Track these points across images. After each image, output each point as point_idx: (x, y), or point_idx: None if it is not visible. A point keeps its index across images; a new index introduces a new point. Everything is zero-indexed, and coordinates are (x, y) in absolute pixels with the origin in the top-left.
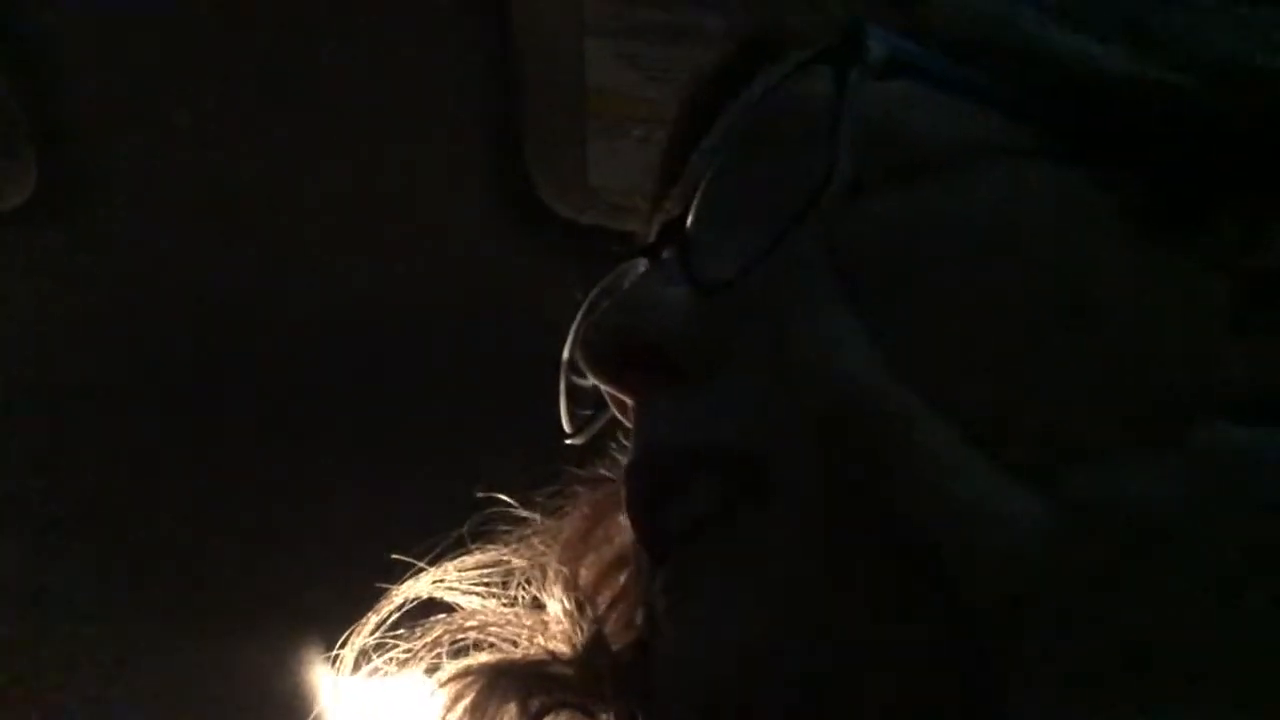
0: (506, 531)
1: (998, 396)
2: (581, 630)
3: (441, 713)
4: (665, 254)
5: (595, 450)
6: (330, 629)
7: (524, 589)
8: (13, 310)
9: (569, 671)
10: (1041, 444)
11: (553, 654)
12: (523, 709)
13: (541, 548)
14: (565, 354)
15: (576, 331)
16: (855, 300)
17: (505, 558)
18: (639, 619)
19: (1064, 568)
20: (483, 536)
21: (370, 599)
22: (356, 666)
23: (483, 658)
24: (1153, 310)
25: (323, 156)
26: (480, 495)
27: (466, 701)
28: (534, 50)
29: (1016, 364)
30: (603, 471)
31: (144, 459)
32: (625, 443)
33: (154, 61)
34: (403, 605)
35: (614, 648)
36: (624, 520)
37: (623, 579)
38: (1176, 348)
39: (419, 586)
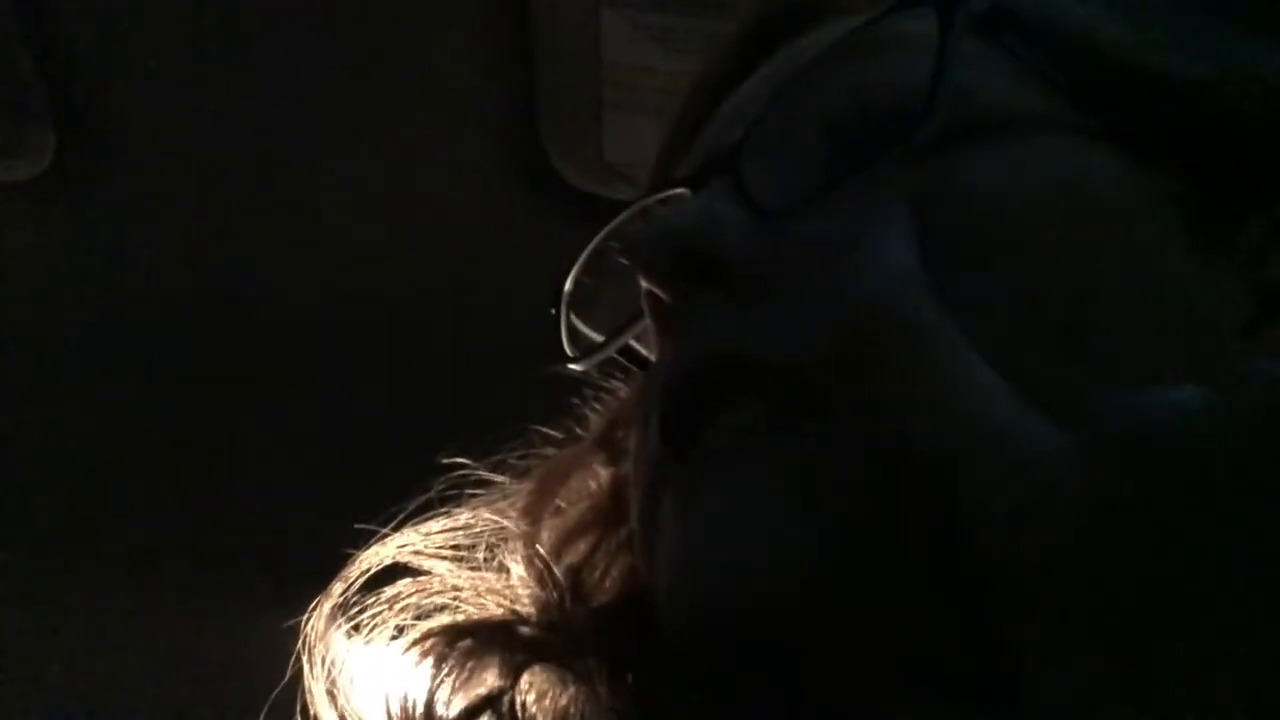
0: (472, 495)
1: (1043, 344)
2: (546, 593)
3: (422, 672)
4: (714, 181)
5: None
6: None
7: (489, 553)
8: (29, 279)
9: (536, 633)
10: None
11: (519, 615)
12: (504, 666)
13: (503, 513)
14: (568, 285)
15: (586, 259)
16: (924, 245)
17: (470, 522)
18: (617, 562)
19: (1086, 498)
20: (450, 500)
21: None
22: (325, 631)
23: (456, 618)
24: (1177, 302)
25: (337, 129)
26: (446, 460)
27: (449, 660)
28: (549, 22)
29: (1067, 325)
30: (567, 430)
31: (155, 427)
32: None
33: (173, 33)
34: (368, 571)
35: (587, 604)
36: (585, 482)
37: (584, 545)
38: (1188, 341)
39: (384, 552)
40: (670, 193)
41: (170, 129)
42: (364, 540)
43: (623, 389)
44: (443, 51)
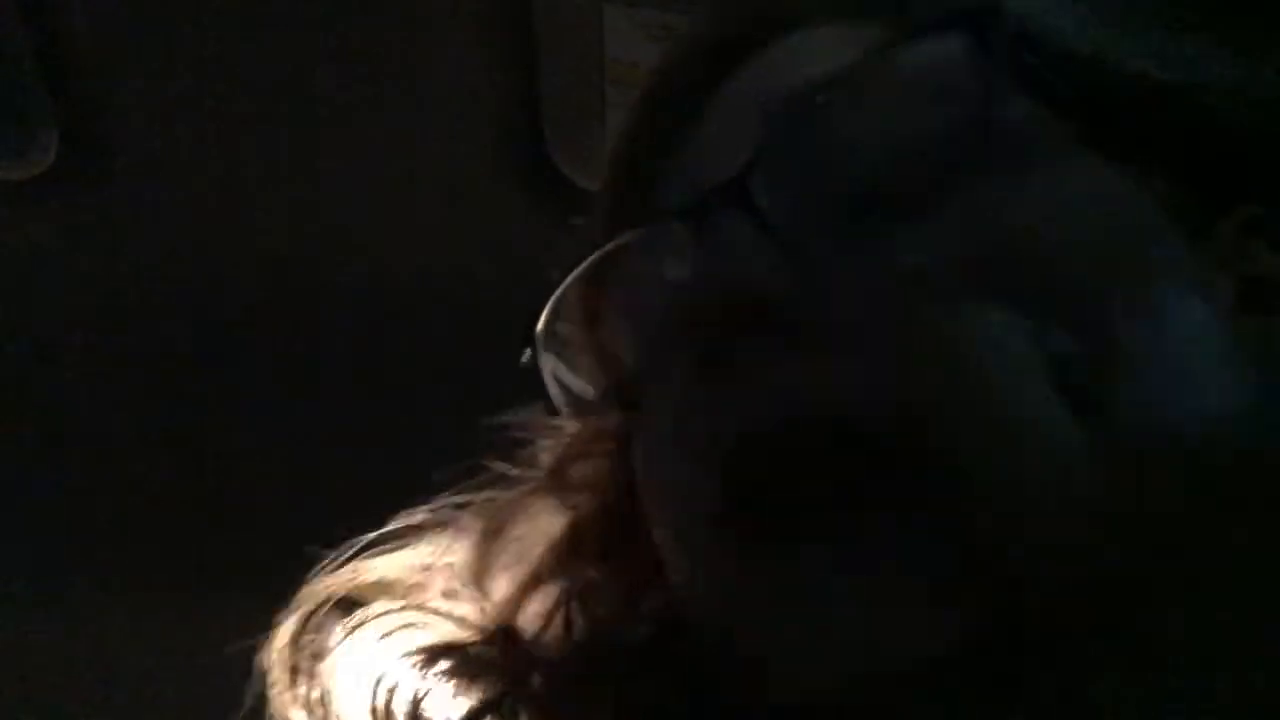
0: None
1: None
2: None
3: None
4: (721, 215)
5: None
6: None
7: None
8: (34, 276)
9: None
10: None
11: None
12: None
13: (451, 554)
14: (540, 326)
15: (561, 297)
16: (988, 283)
17: (419, 563)
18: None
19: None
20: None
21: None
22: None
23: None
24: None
25: (339, 129)
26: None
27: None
28: (552, 21)
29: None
30: (514, 470)
31: (155, 426)
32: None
33: (177, 29)
34: (319, 607)
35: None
36: (537, 526)
37: (542, 596)
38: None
39: (335, 583)
40: (657, 225)
41: (171, 130)
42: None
43: (570, 425)
44: (445, 50)
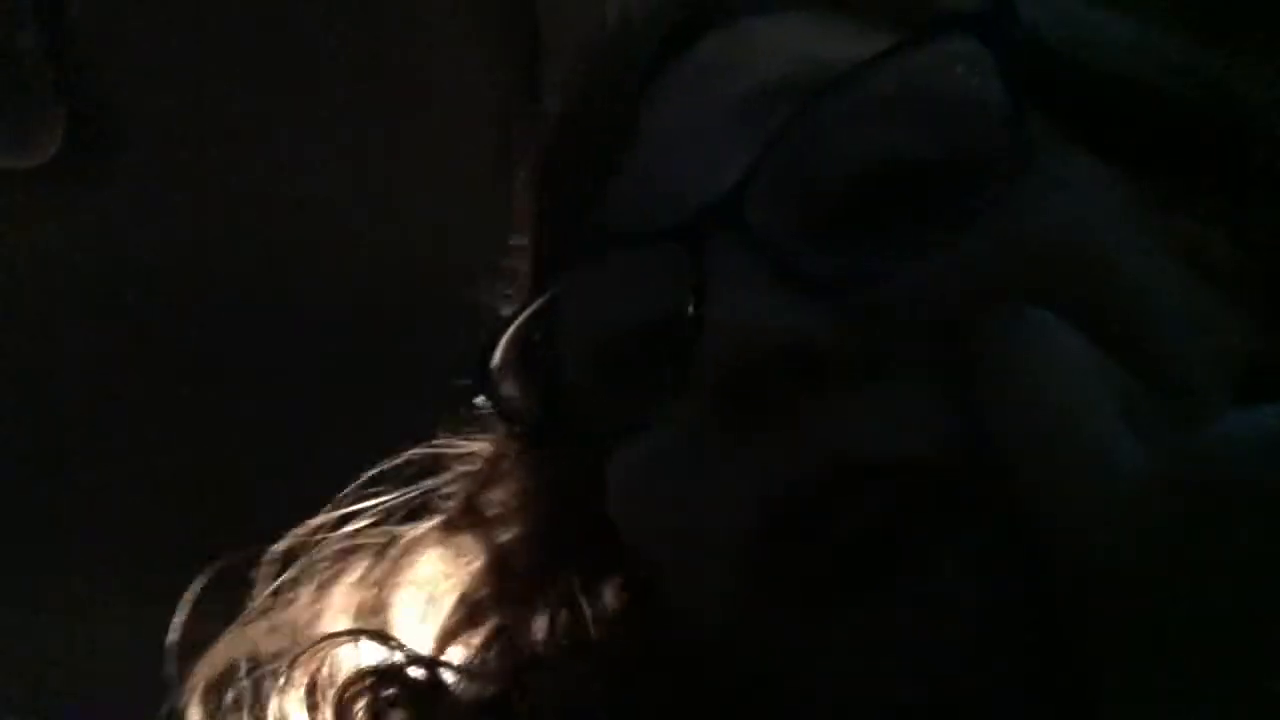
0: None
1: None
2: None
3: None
4: (715, 238)
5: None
6: None
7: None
8: (38, 265)
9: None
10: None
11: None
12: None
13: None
14: (496, 359)
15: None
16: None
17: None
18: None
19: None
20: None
21: None
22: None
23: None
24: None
25: (342, 124)
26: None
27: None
28: (555, 15)
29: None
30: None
31: (158, 418)
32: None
33: (178, 26)
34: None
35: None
36: (451, 562)
37: (471, 639)
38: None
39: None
40: (620, 254)
41: (175, 121)
42: None
43: (482, 449)
44: (447, 47)
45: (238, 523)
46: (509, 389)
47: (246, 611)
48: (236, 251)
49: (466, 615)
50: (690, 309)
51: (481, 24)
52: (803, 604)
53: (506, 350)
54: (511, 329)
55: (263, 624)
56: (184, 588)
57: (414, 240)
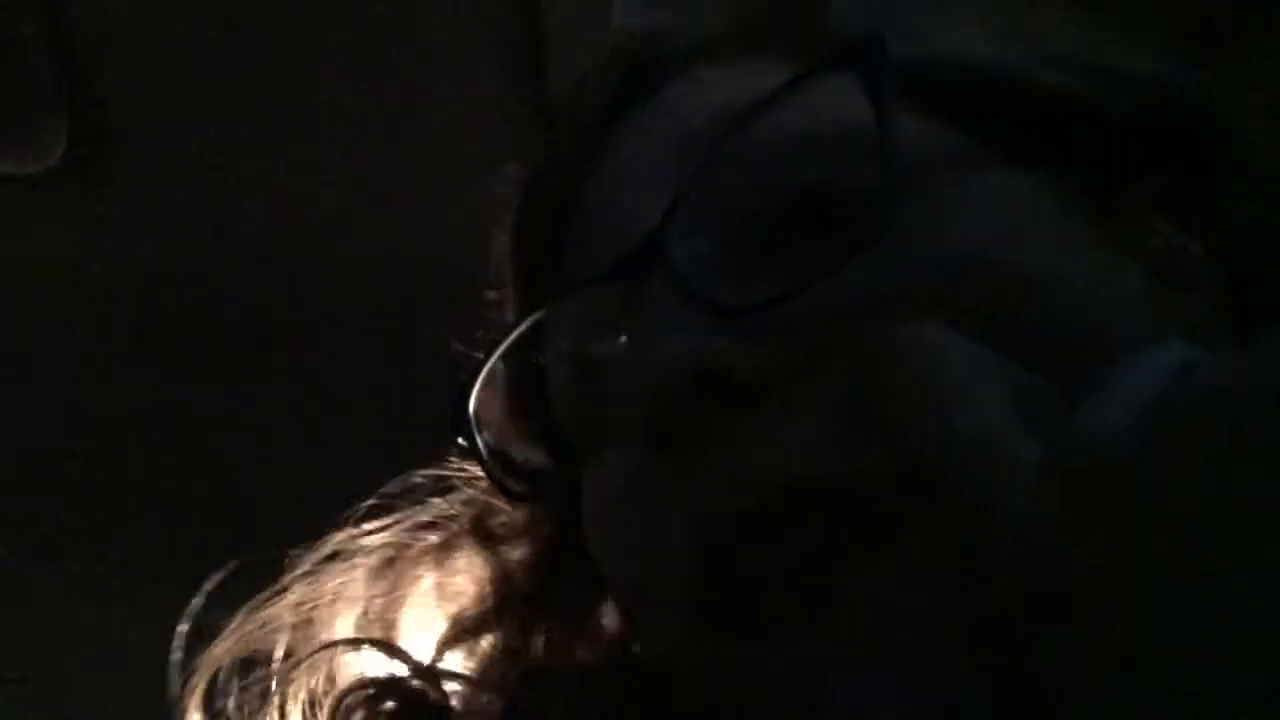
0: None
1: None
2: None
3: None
4: (643, 276)
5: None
6: None
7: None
8: (40, 271)
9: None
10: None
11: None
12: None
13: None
14: (472, 405)
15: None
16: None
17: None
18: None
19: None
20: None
21: None
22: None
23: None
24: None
25: (348, 113)
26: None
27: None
28: (560, 4)
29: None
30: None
31: (159, 421)
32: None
33: (185, 25)
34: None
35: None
36: (457, 577)
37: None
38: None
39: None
40: (582, 290)
41: (178, 126)
42: None
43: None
44: (450, 39)
45: (240, 525)
46: (487, 432)
47: (247, 612)
48: (240, 254)
49: (469, 630)
50: (619, 345)
51: (483, 23)
52: (744, 626)
53: (481, 394)
54: (480, 376)
55: (265, 627)
56: (185, 591)
57: (417, 242)
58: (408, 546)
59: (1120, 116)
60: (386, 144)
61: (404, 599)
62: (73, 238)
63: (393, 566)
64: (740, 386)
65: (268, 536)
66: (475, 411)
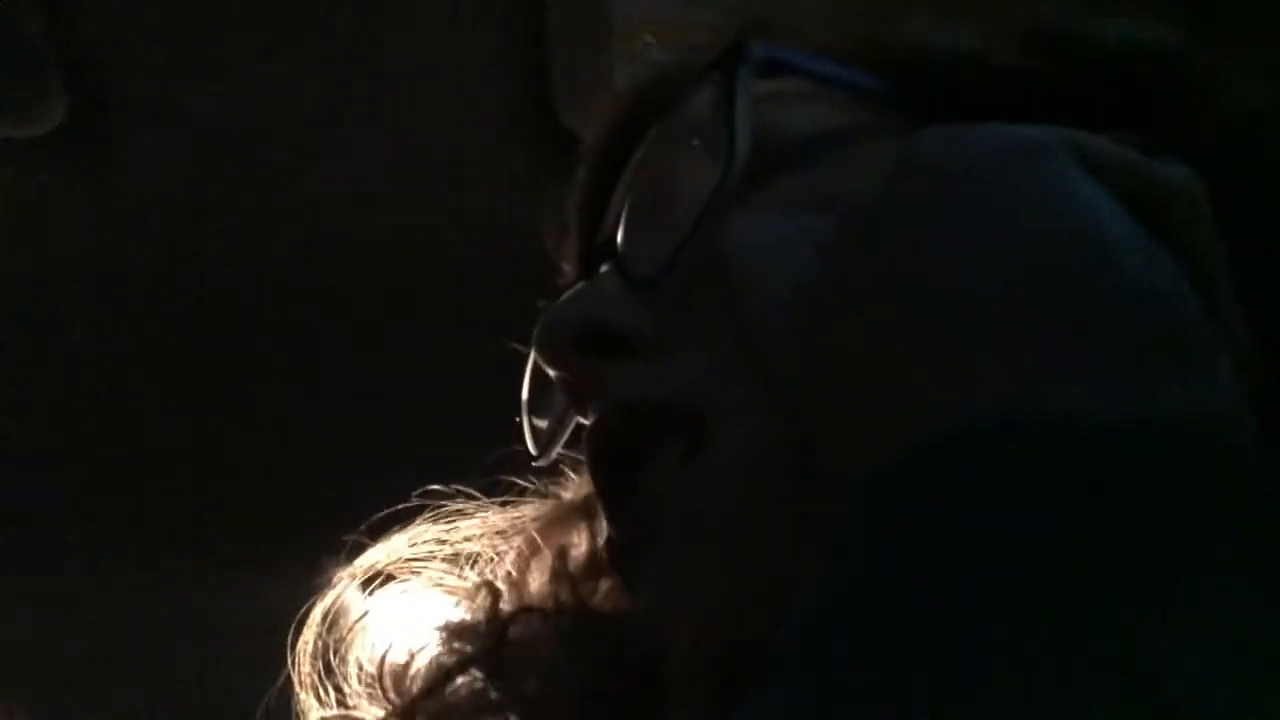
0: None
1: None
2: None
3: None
4: (602, 268)
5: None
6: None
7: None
8: (39, 236)
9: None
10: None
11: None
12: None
13: (496, 537)
14: (525, 395)
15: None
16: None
17: (456, 541)
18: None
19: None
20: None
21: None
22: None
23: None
24: None
25: (346, 87)
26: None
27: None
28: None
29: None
30: (552, 489)
31: (161, 390)
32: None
33: (189, 15)
34: (356, 577)
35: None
36: (576, 538)
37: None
38: None
39: (375, 557)
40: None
41: (180, 90)
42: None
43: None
44: (453, 18)
45: (246, 501)
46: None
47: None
48: (239, 225)
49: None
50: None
51: (485, 18)
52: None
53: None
54: (529, 369)
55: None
56: (184, 580)
57: (422, 206)
58: (533, 508)
59: (1068, 73)
60: (387, 100)
61: (531, 559)
62: (72, 201)
63: (521, 528)
64: (627, 339)
65: (268, 527)
66: (530, 399)
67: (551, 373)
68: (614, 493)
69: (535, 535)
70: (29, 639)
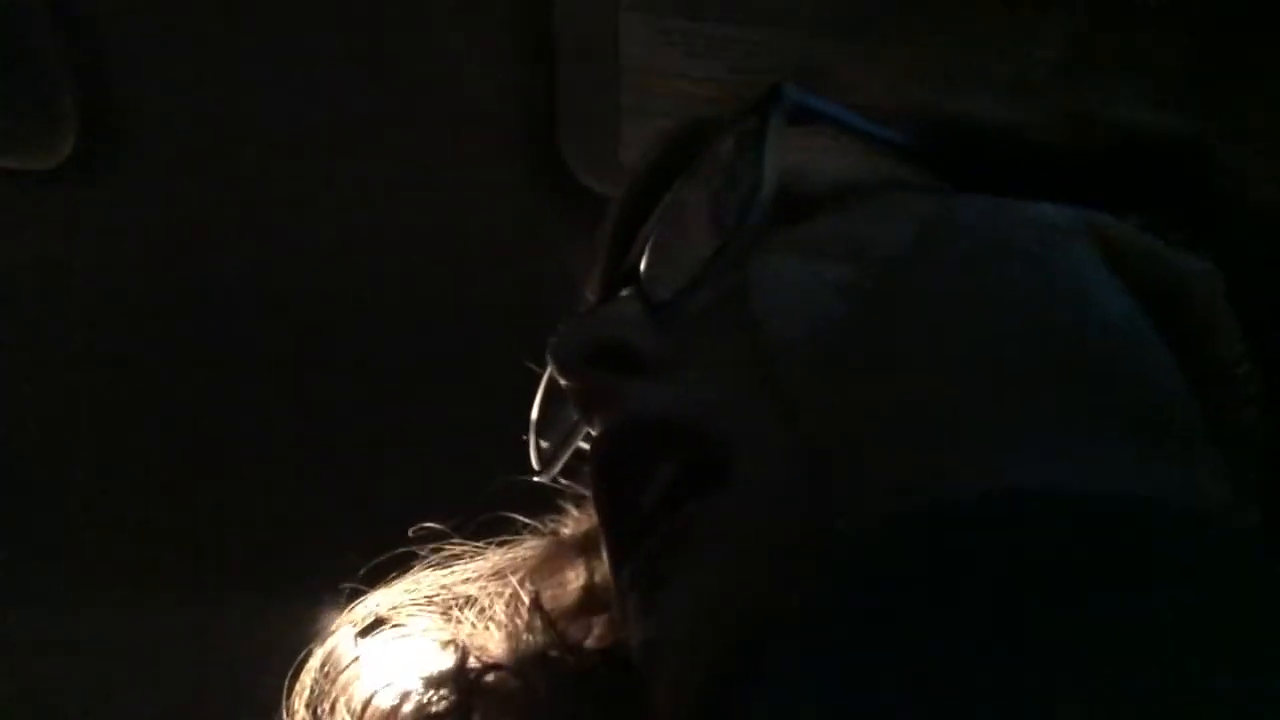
0: (453, 560)
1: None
2: (526, 643)
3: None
4: (624, 292)
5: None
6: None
7: (465, 612)
8: (48, 268)
9: (511, 680)
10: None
11: (495, 662)
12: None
13: (491, 580)
14: (534, 414)
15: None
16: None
17: (452, 585)
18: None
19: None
20: (430, 564)
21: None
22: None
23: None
24: None
25: (356, 126)
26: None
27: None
28: (568, 24)
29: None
30: (551, 526)
31: (170, 422)
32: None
33: (196, 25)
34: (355, 626)
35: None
36: (562, 577)
37: (567, 621)
38: None
39: (370, 606)
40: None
41: (193, 118)
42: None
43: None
44: (462, 56)
45: (243, 526)
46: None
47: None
48: (245, 256)
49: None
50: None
51: (496, 31)
52: (626, 569)
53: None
54: (541, 388)
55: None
56: (182, 592)
57: (425, 244)
58: (528, 549)
59: (1100, 154)
60: (397, 153)
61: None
62: (81, 233)
63: (517, 568)
64: (640, 356)
65: (267, 538)
66: (538, 420)
67: (563, 383)
68: (615, 508)
69: (528, 577)
70: (21, 666)
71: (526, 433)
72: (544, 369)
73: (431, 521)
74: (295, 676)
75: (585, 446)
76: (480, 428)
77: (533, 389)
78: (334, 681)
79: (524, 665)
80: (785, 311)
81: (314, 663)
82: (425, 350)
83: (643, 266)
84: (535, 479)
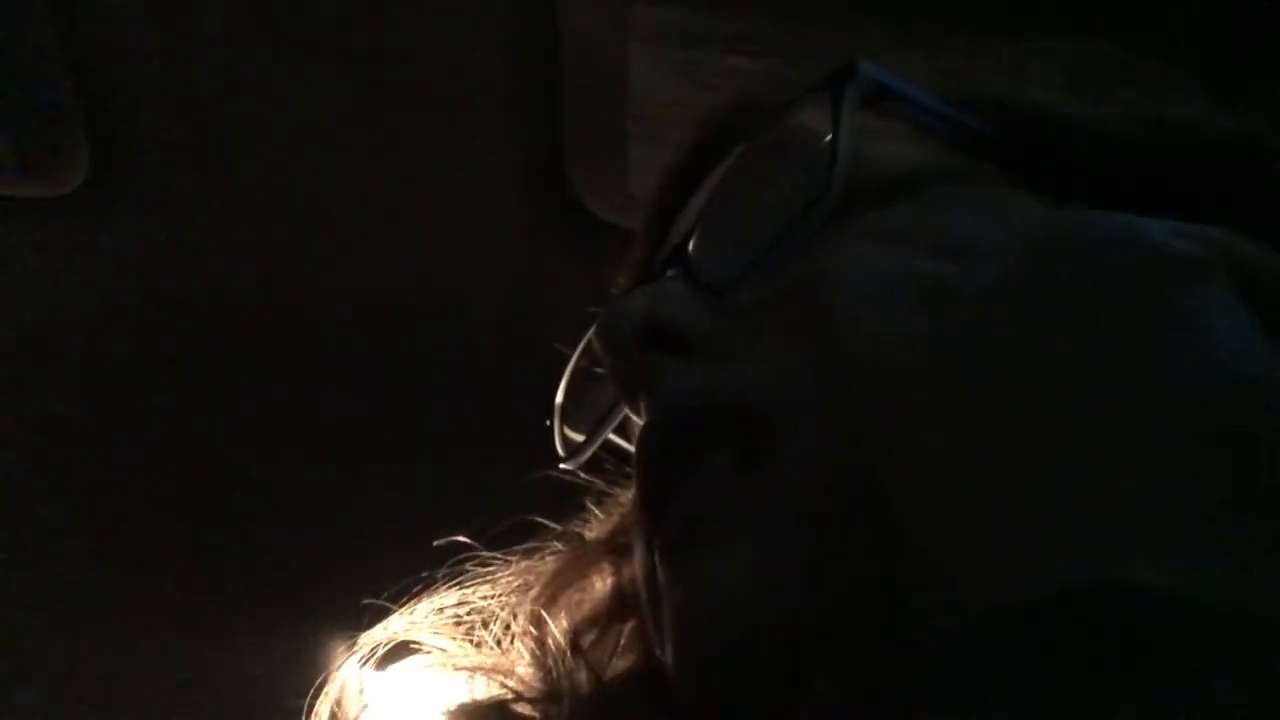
0: (475, 574)
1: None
2: (553, 665)
3: None
4: (669, 273)
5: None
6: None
7: (489, 631)
8: (60, 296)
9: (537, 709)
10: None
11: (518, 692)
12: None
13: (515, 594)
14: (559, 398)
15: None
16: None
17: (475, 602)
18: (622, 649)
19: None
20: (452, 578)
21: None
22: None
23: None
24: None
25: (367, 155)
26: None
27: None
28: (577, 54)
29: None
30: (575, 529)
31: (175, 449)
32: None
33: (207, 54)
34: (375, 650)
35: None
36: (589, 583)
37: (590, 635)
38: None
39: (393, 629)
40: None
41: (204, 147)
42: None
43: (625, 495)
44: (470, 81)
45: (250, 537)
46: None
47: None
48: (259, 271)
49: (584, 624)
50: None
51: (504, 61)
52: (665, 555)
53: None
54: (568, 372)
55: (435, 610)
56: (183, 598)
57: (436, 270)
58: (549, 557)
59: (1170, 158)
60: (407, 180)
61: (551, 610)
62: (95, 262)
63: (538, 580)
64: (688, 340)
65: (270, 547)
66: (562, 404)
67: (608, 363)
68: (661, 491)
69: (553, 588)
70: (28, 689)
71: (542, 431)
72: (561, 365)
73: (448, 532)
74: (314, 700)
75: (613, 438)
76: (490, 438)
77: (539, 401)
78: (349, 714)
79: (550, 693)
80: (861, 309)
81: (331, 692)
82: (432, 367)
83: (690, 247)
84: (560, 470)
